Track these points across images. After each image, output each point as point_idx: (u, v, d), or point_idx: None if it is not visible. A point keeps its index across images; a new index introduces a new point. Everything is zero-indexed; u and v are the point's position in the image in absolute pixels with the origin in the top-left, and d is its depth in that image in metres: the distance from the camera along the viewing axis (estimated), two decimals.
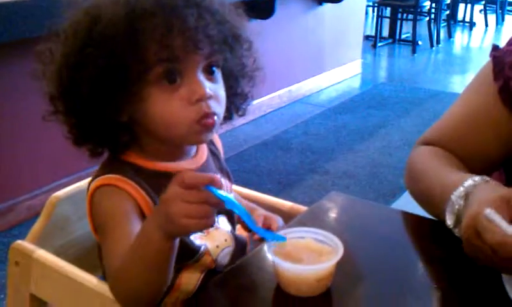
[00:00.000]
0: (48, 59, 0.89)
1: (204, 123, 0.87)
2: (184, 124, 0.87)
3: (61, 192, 1.07)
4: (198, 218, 0.72)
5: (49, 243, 1.05)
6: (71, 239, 1.10)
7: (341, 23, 5.06)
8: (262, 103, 4.24)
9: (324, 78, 4.99)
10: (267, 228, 1.06)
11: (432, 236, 0.98)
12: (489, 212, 0.80)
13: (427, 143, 1.10)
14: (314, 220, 1.02)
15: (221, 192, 0.73)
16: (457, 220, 0.90)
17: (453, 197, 0.90)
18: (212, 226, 0.76)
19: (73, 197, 1.07)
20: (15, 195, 2.67)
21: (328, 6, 4.75)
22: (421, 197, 1.04)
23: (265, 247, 0.79)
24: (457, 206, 0.89)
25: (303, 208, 1.16)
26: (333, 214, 1.08)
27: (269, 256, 0.78)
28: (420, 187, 1.04)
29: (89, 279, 0.92)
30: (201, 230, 0.91)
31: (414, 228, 1.02)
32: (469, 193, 0.89)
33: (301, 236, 0.84)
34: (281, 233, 0.83)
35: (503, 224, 0.79)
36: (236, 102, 1.01)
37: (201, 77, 0.87)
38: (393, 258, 0.93)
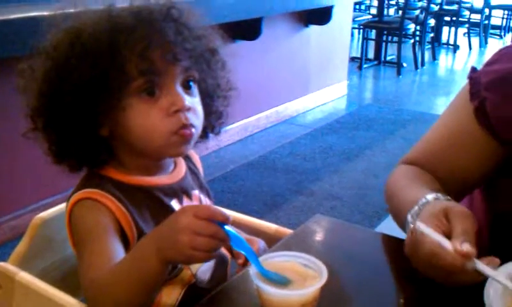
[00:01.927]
0: (30, 75, 0.90)
1: (182, 134, 0.90)
2: (163, 135, 0.89)
3: (45, 213, 1.06)
4: (204, 251, 0.74)
5: (32, 265, 1.05)
6: (55, 261, 1.09)
7: (327, 45, 5.11)
8: (248, 124, 4.25)
9: (310, 99, 5.02)
10: None
11: None
12: (419, 225, 0.83)
13: (408, 163, 1.12)
14: (299, 243, 1.02)
15: (230, 229, 0.75)
16: None
17: (408, 216, 0.93)
18: (214, 258, 0.77)
19: (57, 219, 1.07)
20: None
21: (314, 28, 4.80)
22: (394, 216, 1.06)
23: (250, 271, 0.79)
24: (411, 225, 0.91)
25: (288, 231, 1.16)
26: (317, 237, 1.08)
27: (254, 281, 0.78)
28: (392, 205, 1.07)
29: (72, 302, 0.91)
30: (202, 262, 0.92)
31: (398, 251, 1.03)
32: (419, 211, 0.91)
33: (285, 260, 0.84)
34: (266, 257, 0.83)
35: (434, 235, 0.82)
36: (211, 120, 1.03)
37: (180, 89, 0.90)
38: (378, 282, 0.93)
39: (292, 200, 3.28)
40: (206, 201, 1.06)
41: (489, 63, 1.04)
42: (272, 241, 1.10)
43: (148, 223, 0.92)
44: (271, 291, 0.77)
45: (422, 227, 0.83)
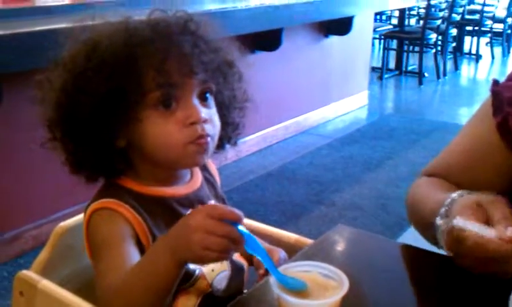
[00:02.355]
0: (47, 87, 0.91)
1: (198, 143, 0.90)
2: (179, 146, 0.90)
3: (66, 222, 1.08)
4: (217, 251, 0.74)
5: (54, 273, 1.05)
6: (76, 269, 1.10)
7: (348, 55, 5.10)
8: (268, 134, 4.25)
9: (330, 109, 5.01)
10: None
11: (438, 270, 0.97)
12: (457, 220, 0.81)
13: (429, 175, 1.11)
14: (320, 253, 1.01)
15: (244, 230, 0.74)
16: None
17: (437, 219, 0.91)
18: (227, 259, 0.76)
19: (78, 228, 1.07)
20: (21, 224, 2.68)
21: (334, 38, 4.79)
22: (417, 225, 1.04)
23: (270, 280, 0.78)
24: (442, 229, 0.89)
25: (308, 240, 1.15)
26: (339, 247, 1.07)
27: (274, 290, 0.77)
28: (415, 213, 1.06)
29: None
30: (215, 262, 0.92)
31: (420, 262, 1.02)
32: (448, 210, 0.89)
33: (306, 270, 0.84)
34: (286, 267, 0.83)
35: (474, 227, 0.80)
36: (228, 131, 1.03)
37: (196, 101, 0.91)
38: (399, 293, 0.92)
39: (313, 210, 3.26)
40: None
41: (511, 77, 1.03)
42: (292, 251, 1.10)
43: (162, 233, 0.92)
44: (291, 301, 0.76)
45: (461, 222, 0.81)
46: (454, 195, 0.91)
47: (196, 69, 0.89)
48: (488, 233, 0.79)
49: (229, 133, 1.04)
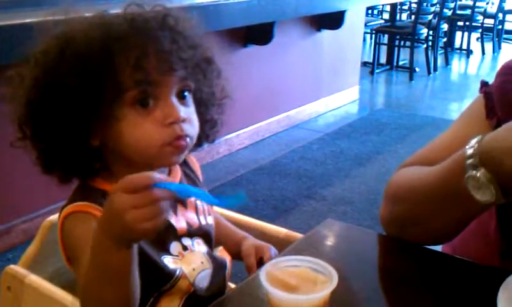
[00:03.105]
0: (18, 83, 0.88)
1: (176, 145, 0.88)
2: (157, 146, 0.87)
3: (55, 216, 1.06)
4: (154, 219, 0.70)
5: (42, 268, 1.05)
6: (64, 264, 1.09)
7: (339, 49, 5.10)
8: (259, 128, 4.25)
9: (322, 103, 5.01)
10: (260, 258, 1.05)
11: (428, 264, 0.97)
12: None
13: (406, 166, 1.06)
14: (309, 247, 1.01)
15: (163, 181, 0.71)
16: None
17: (471, 174, 0.83)
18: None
19: None
20: (11, 218, 2.67)
21: (326, 33, 4.79)
22: (421, 201, 0.97)
23: (260, 275, 0.78)
24: (483, 176, 0.82)
25: (298, 235, 1.15)
26: (328, 242, 1.07)
27: (263, 285, 0.77)
28: (418, 195, 0.98)
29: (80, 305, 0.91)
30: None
31: (409, 256, 1.02)
32: (479, 142, 0.84)
33: (295, 265, 0.84)
34: (276, 261, 0.83)
35: None
36: (205, 128, 1.00)
37: (175, 100, 0.88)
38: (388, 287, 0.92)
39: (303, 205, 3.27)
40: (203, 207, 1.04)
41: (499, 76, 1.02)
42: (282, 245, 1.10)
43: None
44: (280, 295, 0.76)
45: None
46: (474, 141, 0.85)
47: (175, 66, 0.86)
48: None
49: (207, 131, 1.01)
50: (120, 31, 0.85)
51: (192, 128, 0.91)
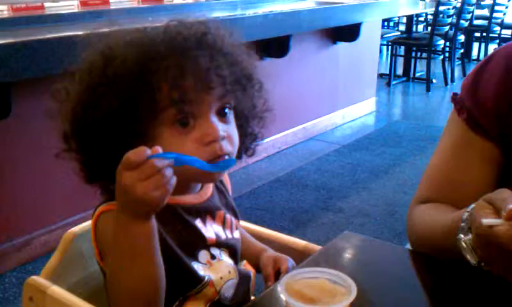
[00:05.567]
0: (64, 97, 0.90)
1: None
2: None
3: (76, 228, 1.08)
4: (162, 186, 0.75)
5: (64, 279, 1.06)
6: (85, 276, 1.10)
7: (355, 61, 5.10)
8: (276, 140, 4.26)
9: (338, 115, 5.01)
10: (278, 269, 1.06)
11: (447, 276, 0.97)
12: (485, 221, 0.79)
13: (422, 202, 1.12)
14: (328, 260, 1.01)
15: (161, 153, 0.76)
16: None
17: (460, 237, 0.89)
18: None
19: (88, 234, 1.07)
20: (31, 230, 2.69)
21: (342, 45, 4.79)
22: (433, 252, 1.02)
23: (278, 287, 0.78)
24: (468, 242, 0.88)
25: (316, 247, 1.15)
26: (346, 254, 1.07)
27: (282, 297, 0.77)
28: (427, 245, 1.04)
29: None
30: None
31: (429, 269, 1.02)
32: (469, 220, 0.87)
33: (314, 277, 0.84)
34: (294, 273, 0.83)
35: (496, 221, 0.79)
36: (246, 142, 1.01)
37: (214, 118, 0.89)
38: (407, 300, 0.92)
39: (321, 217, 3.26)
40: (231, 219, 1.06)
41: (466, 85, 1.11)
42: (300, 257, 1.10)
43: (169, 235, 0.92)
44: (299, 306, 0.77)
45: (487, 220, 0.79)
46: (469, 207, 0.89)
47: (213, 84, 0.87)
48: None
49: (247, 144, 1.02)
50: (158, 50, 0.86)
51: (231, 145, 0.91)
